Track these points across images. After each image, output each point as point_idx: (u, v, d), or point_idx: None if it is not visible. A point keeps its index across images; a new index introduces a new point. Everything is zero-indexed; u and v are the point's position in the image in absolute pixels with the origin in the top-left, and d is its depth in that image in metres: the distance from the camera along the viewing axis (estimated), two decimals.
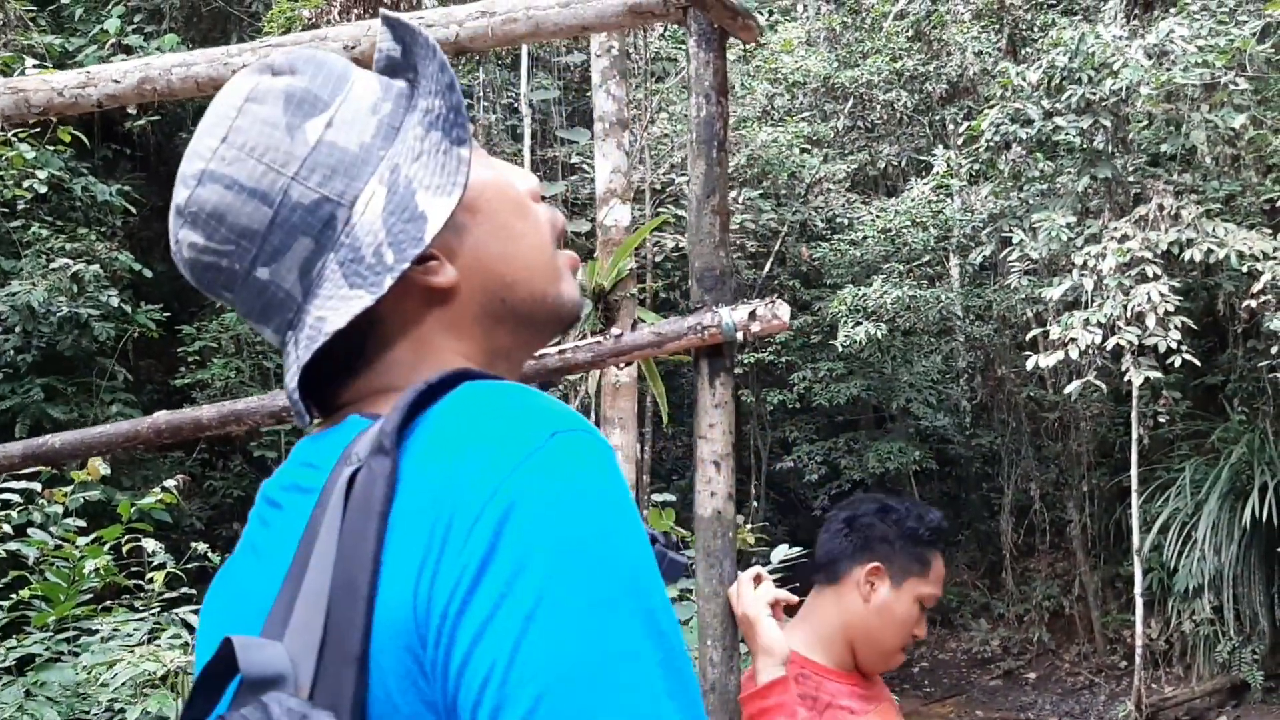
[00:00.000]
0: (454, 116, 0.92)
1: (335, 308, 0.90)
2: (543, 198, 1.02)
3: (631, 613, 0.76)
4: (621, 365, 2.14)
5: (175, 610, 4.94)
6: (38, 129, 7.50)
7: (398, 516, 0.80)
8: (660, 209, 11.66)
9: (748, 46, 13.89)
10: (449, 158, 0.92)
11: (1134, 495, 10.50)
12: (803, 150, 13.10)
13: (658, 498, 6.64)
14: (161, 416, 2.42)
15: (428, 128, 0.93)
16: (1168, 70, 8.96)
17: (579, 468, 0.79)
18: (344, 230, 0.90)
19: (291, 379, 0.92)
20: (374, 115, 0.93)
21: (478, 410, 0.83)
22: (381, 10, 0.97)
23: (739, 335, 2.02)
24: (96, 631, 4.85)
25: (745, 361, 13.61)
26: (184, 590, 5.12)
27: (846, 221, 13.42)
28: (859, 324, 11.56)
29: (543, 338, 1.02)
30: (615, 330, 2.01)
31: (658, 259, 12.14)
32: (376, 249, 0.90)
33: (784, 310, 2.04)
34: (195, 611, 4.71)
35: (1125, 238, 9.28)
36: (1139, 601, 10.48)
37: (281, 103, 0.91)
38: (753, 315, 2.04)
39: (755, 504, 13.72)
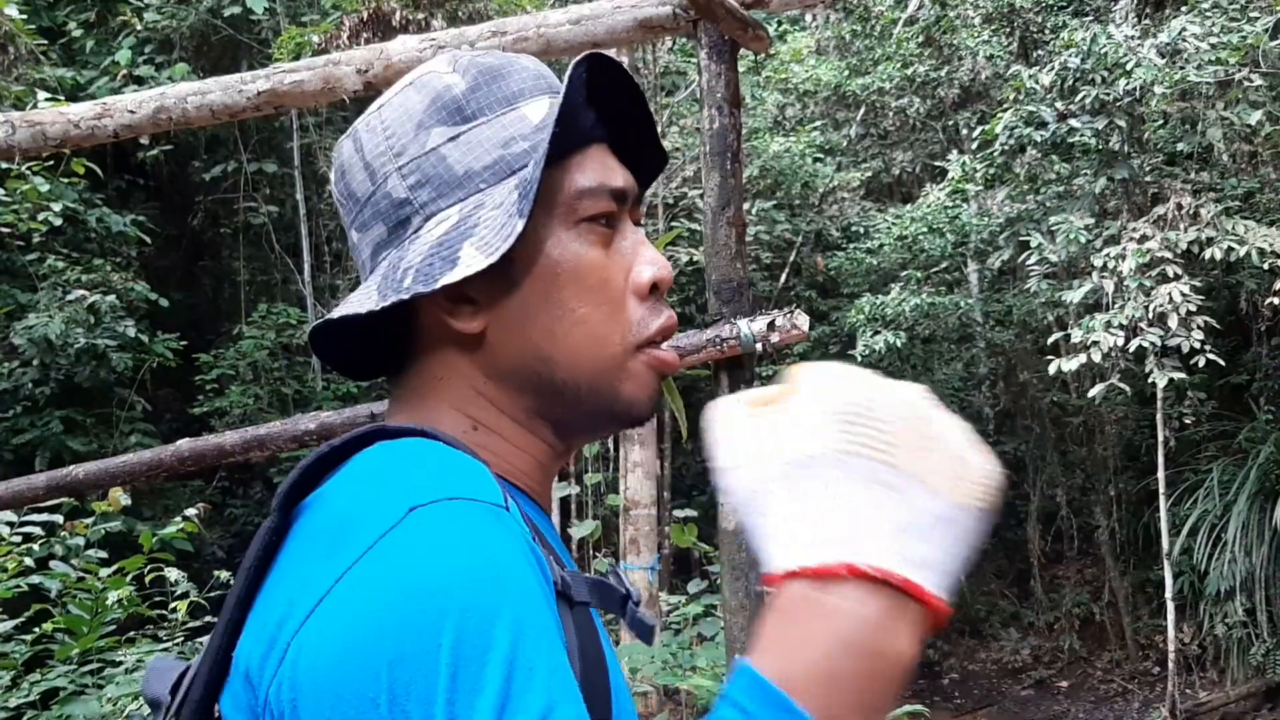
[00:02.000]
0: (527, 188, 0.89)
1: (359, 300, 0.92)
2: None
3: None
4: None
5: (199, 639, 4.92)
6: (51, 161, 7.52)
7: (273, 581, 0.79)
8: (674, 224, 11.63)
9: (758, 57, 13.88)
10: (510, 221, 0.88)
11: (1162, 498, 10.40)
12: (816, 159, 13.07)
13: (679, 513, 6.59)
14: (185, 444, 2.39)
15: (516, 185, 0.92)
16: (1181, 69, 8.89)
17: (418, 557, 0.71)
18: (410, 237, 0.92)
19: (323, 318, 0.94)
20: (501, 149, 0.93)
21: (354, 482, 0.81)
22: (597, 51, 0.95)
23: (758, 346, 1.98)
24: (121, 663, 4.84)
25: (763, 375, 13.54)
26: (208, 619, 5.10)
27: (862, 230, 13.37)
28: (878, 333, 11.49)
29: (595, 423, 0.98)
30: None
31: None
32: (406, 269, 0.90)
33: (803, 320, 1.99)
34: None
35: (1144, 238, 9.21)
36: (1170, 606, 10.36)
37: (429, 99, 0.94)
38: (771, 326, 2.00)
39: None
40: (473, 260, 0.87)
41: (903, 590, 0.69)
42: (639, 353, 0.94)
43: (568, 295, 0.92)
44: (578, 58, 0.91)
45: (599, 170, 0.94)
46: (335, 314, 0.92)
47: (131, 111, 2.54)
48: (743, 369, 2.08)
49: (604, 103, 0.96)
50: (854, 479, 0.72)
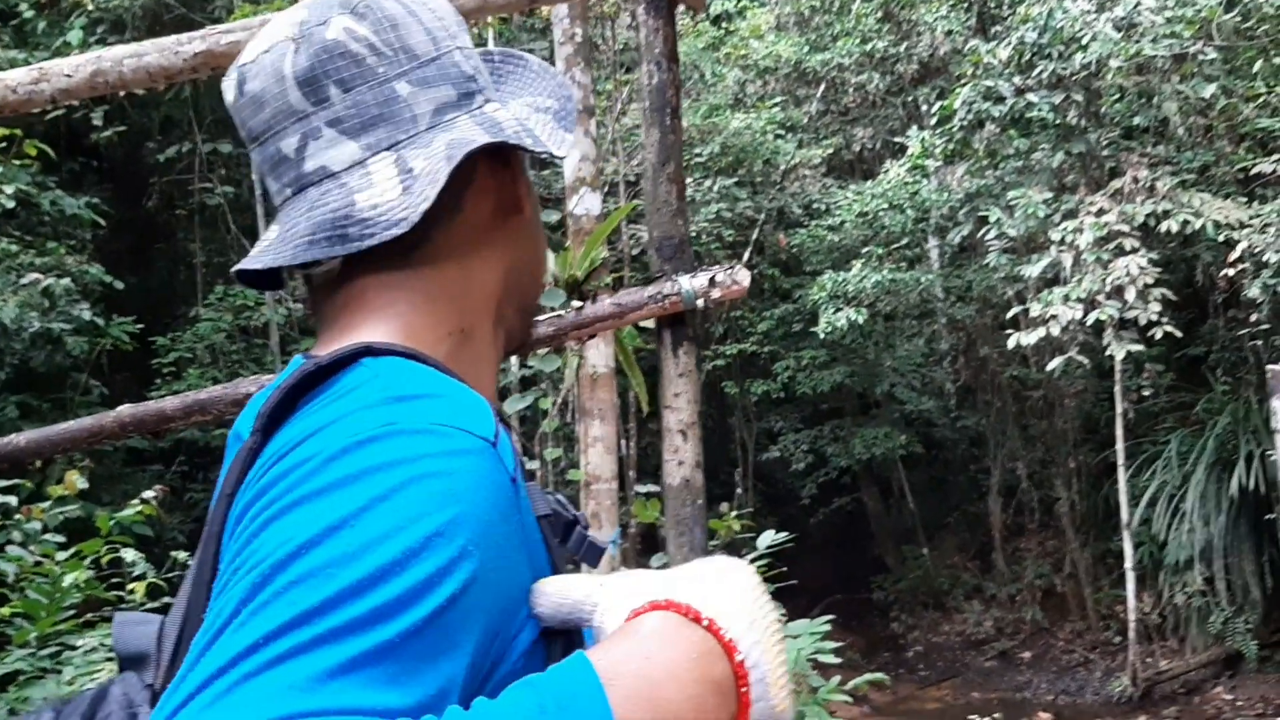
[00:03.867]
0: (566, 119, 1.02)
1: (456, 143, 0.92)
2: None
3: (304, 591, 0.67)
4: (584, 339, 2.09)
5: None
6: (4, 145, 7.41)
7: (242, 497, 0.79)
8: (636, 200, 11.60)
9: (715, 33, 13.85)
10: (556, 133, 0.99)
11: (1121, 470, 10.50)
12: (777, 136, 13.06)
13: (641, 489, 6.59)
14: (125, 410, 2.36)
15: (552, 114, 1.03)
16: (1137, 42, 8.95)
17: (372, 466, 0.73)
18: (479, 107, 0.97)
19: (416, 187, 0.90)
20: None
21: (344, 399, 0.80)
22: None
23: (699, 302, 1.97)
24: (79, 646, 4.78)
25: (728, 353, 13.55)
26: (167, 600, 5.04)
27: (824, 207, 13.39)
28: (840, 310, 11.53)
29: (522, 338, 1.08)
30: (575, 303, 1.96)
31: (634, 251, 12.09)
32: (508, 125, 0.97)
33: (744, 275, 1.99)
34: None
35: (1102, 211, 9.28)
36: (1130, 576, 10.47)
37: (456, 12, 1.03)
38: (713, 281, 1.99)
39: (742, 493, 13.67)
40: (562, 143, 0.98)
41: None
42: None
43: (538, 225, 1.08)
44: None
45: None
46: (447, 167, 0.91)
47: (68, 75, 2.49)
48: (685, 325, 2.07)
49: None
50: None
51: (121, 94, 3.75)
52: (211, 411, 2.22)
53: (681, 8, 2.14)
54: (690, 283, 1.98)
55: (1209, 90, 9.09)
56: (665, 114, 2.05)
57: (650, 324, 2.16)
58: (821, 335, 11.89)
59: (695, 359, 2.05)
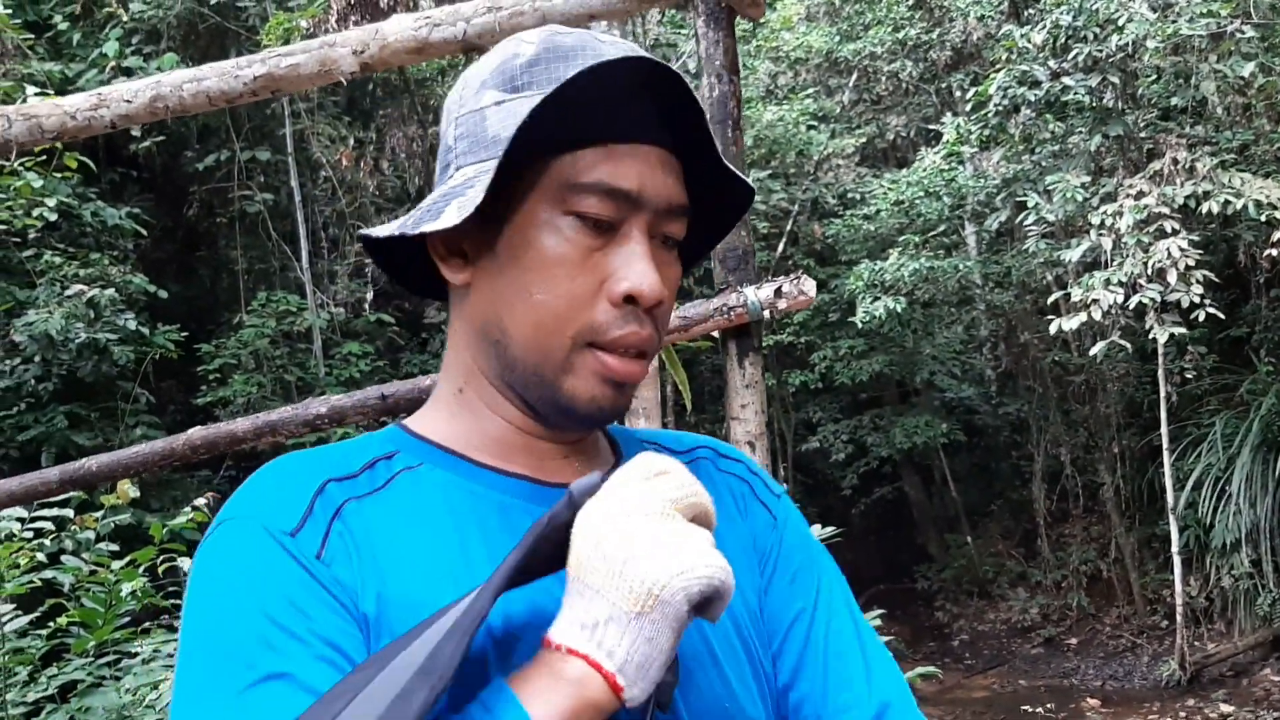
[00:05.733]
0: (488, 170, 0.95)
1: (391, 226, 0.99)
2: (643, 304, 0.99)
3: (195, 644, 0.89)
4: None
5: None
6: (44, 157, 7.50)
7: None
8: None
9: (746, 25, 13.82)
10: (477, 195, 0.94)
11: (1165, 453, 10.42)
12: (809, 127, 13.03)
13: None
14: (196, 433, 2.40)
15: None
16: (1173, 22, 8.86)
17: (202, 556, 0.94)
18: (441, 181, 1.01)
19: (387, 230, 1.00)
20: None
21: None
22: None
23: (765, 313, 1.98)
24: (137, 654, 4.84)
25: (765, 345, 13.52)
26: None
27: (858, 196, 13.34)
28: (877, 299, 11.48)
29: (545, 408, 1.00)
30: None
31: None
32: (417, 211, 0.99)
33: (810, 285, 2.00)
34: None
35: (1141, 194, 9.19)
36: (1177, 560, 10.40)
37: (498, 63, 0.99)
38: (778, 292, 2.00)
39: (784, 486, 13.64)
40: (448, 218, 0.94)
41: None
42: (589, 350, 0.96)
43: (531, 278, 0.95)
44: (618, 57, 0.92)
45: (608, 168, 0.94)
46: (371, 231, 1.01)
47: (128, 101, 2.53)
48: (750, 336, 2.08)
49: (673, 112, 0.97)
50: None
51: None
52: (282, 431, 2.25)
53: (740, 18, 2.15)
54: (756, 294, 1.99)
55: (1247, 69, 8.97)
56: (727, 126, 2.06)
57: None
58: (859, 324, 11.86)
59: (761, 370, 2.06)
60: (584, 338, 0.95)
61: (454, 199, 0.95)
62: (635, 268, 0.95)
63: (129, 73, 10.36)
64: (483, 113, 0.97)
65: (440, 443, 1.01)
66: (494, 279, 0.98)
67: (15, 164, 7.20)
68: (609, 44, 0.97)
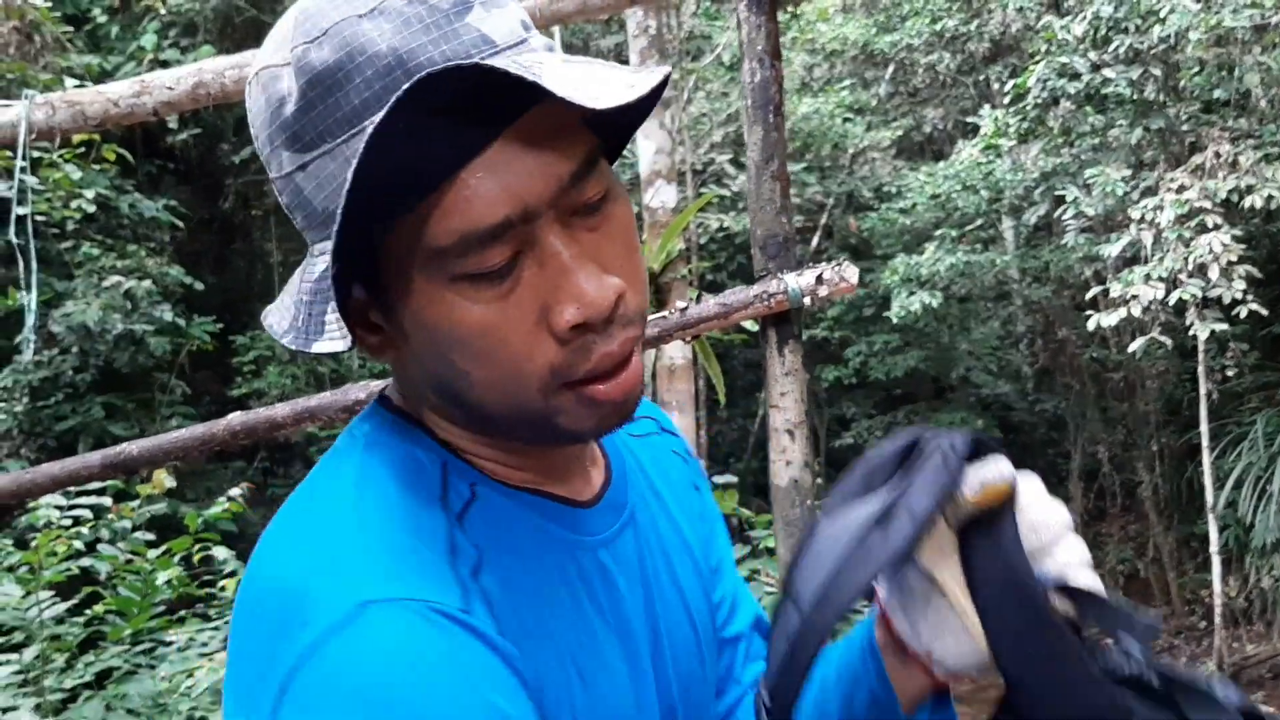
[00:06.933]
0: (327, 273, 0.79)
1: (282, 314, 0.85)
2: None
3: None
4: (689, 339, 2.08)
5: None
6: (82, 149, 7.54)
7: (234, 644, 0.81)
8: (702, 189, 11.56)
9: (783, 17, 13.75)
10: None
11: (1205, 452, 10.29)
12: (845, 120, 12.95)
13: (718, 480, 6.56)
14: (236, 418, 2.39)
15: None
16: (1216, 14, 8.74)
17: (370, 672, 0.69)
18: (306, 259, 0.86)
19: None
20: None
21: (297, 532, 0.85)
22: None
23: (806, 300, 1.95)
24: (172, 642, 4.88)
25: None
26: None
27: (894, 190, 13.25)
28: (913, 294, 11.40)
29: (541, 443, 0.86)
30: (680, 303, 1.95)
31: (702, 240, 12.05)
32: (303, 309, 0.84)
33: (852, 272, 1.96)
34: None
35: (1182, 188, 9.08)
36: (1216, 560, 10.27)
37: (269, 112, 0.79)
38: (820, 279, 1.97)
39: (819, 482, 13.60)
40: (333, 335, 0.78)
41: None
42: (568, 390, 0.79)
43: (456, 358, 0.78)
44: (400, 91, 0.68)
45: (465, 212, 0.73)
46: (269, 323, 0.85)
47: (170, 88, 2.52)
48: (790, 324, 2.05)
49: (495, 91, 0.72)
50: None
51: None
52: (321, 417, 2.24)
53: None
54: (797, 281, 1.96)
55: None
56: (768, 111, 2.03)
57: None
58: (894, 319, 11.78)
59: (801, 358, 2.03)
60: (554, 384, 0.78)
61: (329, 304, 0.77)
62: (569, 289, 0.76)
63: (166, 65, 10.42)
64: (294, 181, 0.77)
65: (465, 449, 0.87)
66: (420, 357, 0.81)
67: (54, 156, 7.26)
68: (389, 22, 0.74)
